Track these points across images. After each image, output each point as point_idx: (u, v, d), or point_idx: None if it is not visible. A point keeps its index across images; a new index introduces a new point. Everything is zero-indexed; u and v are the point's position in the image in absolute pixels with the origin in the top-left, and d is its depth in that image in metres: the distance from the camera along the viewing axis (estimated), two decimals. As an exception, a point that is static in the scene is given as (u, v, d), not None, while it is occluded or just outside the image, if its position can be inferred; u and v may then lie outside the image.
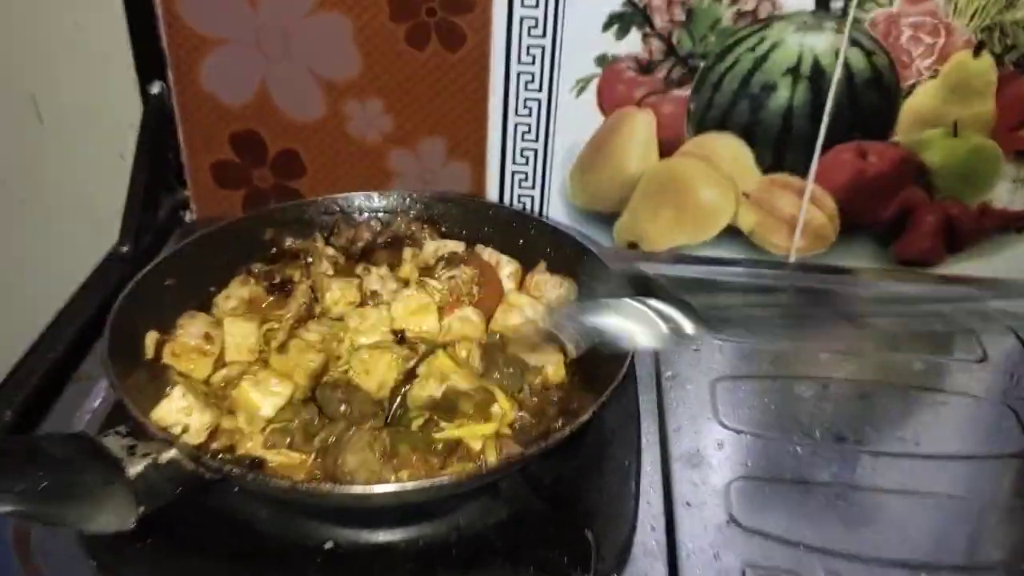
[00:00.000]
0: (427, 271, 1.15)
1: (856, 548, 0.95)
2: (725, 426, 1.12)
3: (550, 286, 1.14)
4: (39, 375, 1.16)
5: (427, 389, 0.98)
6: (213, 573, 0.90)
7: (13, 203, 1.67)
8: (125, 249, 1.44)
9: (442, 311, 1.08)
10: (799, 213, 1.46)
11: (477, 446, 0.96)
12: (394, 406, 0.99)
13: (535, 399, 1.02)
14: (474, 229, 1.29)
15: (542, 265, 1.19)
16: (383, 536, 0.95)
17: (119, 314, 1.00)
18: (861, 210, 1.46)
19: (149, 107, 1.47)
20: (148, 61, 1.45)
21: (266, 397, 0.97)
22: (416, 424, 0.96)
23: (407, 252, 1.21)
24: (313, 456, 0.95)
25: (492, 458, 0.92)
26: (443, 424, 0.96)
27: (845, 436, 1.10)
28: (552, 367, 1.05)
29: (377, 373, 1.00)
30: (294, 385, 0.99)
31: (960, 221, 1.47)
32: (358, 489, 0.85)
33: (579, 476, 1.00)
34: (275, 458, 0.94)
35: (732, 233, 1.50)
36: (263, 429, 0.95)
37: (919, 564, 0.94)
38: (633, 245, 1.53)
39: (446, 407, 0.97)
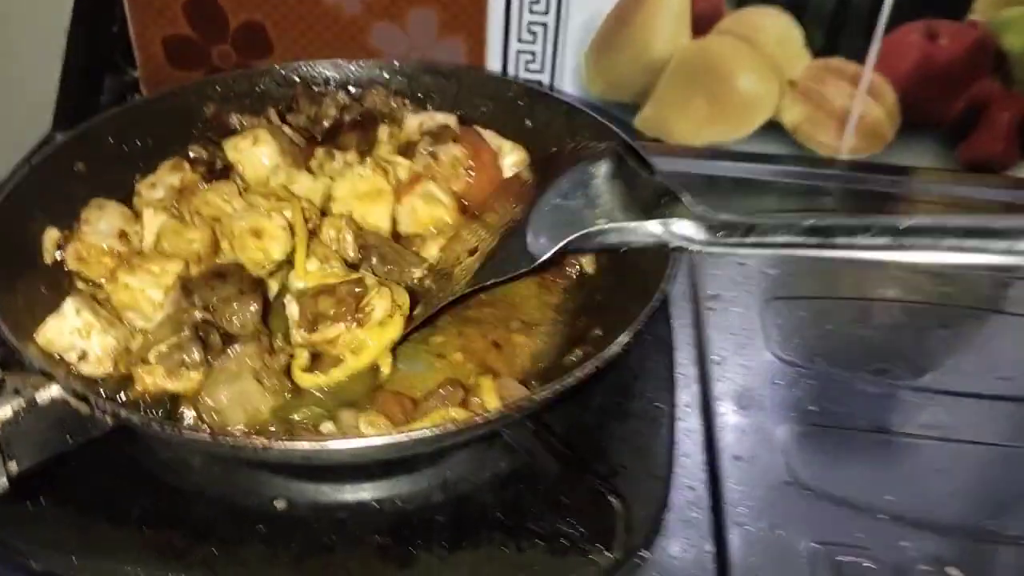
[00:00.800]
0: (408, 149, 0.92)
1: (952, 516, 0.75)
2: (780, 358, 0.91)
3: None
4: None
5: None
6: (119, 541, 0.70)
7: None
8: (60, 139, 1.24)
9: (399, 191, 0.86)
10: (853, 106, 1.28)
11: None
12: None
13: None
14: (469, 108, 1.06)
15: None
16: (349, 494, 0.75)
17: (5, 208, 0.78)
18: (926, 104, 1.28)
19: (87, -30, 1.27)
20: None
21: (147, 280, 0.76)
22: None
23: (383, 131, 0.99)
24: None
25: (492, 402, 0.71)
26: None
27: (925, 369, 0.90)
28: None
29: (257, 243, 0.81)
30: (181, 262, 0.79)
31: (1041, 118, 1.28)
32: (306, 445, 0.64)
33: (598, 422, 0.80)
34: (181, 385, 0.74)
35: (773, 129, 1.31)
36: (153, 354, 0.74)
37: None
38: (658, 141, 1.34)
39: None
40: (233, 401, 0.70)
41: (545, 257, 0.75)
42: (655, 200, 0.75)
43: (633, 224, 0.74)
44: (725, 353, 0.91)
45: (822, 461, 0.81)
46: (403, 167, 0.88)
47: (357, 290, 0.75)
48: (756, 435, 0.82)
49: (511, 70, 1.30)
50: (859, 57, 1.24)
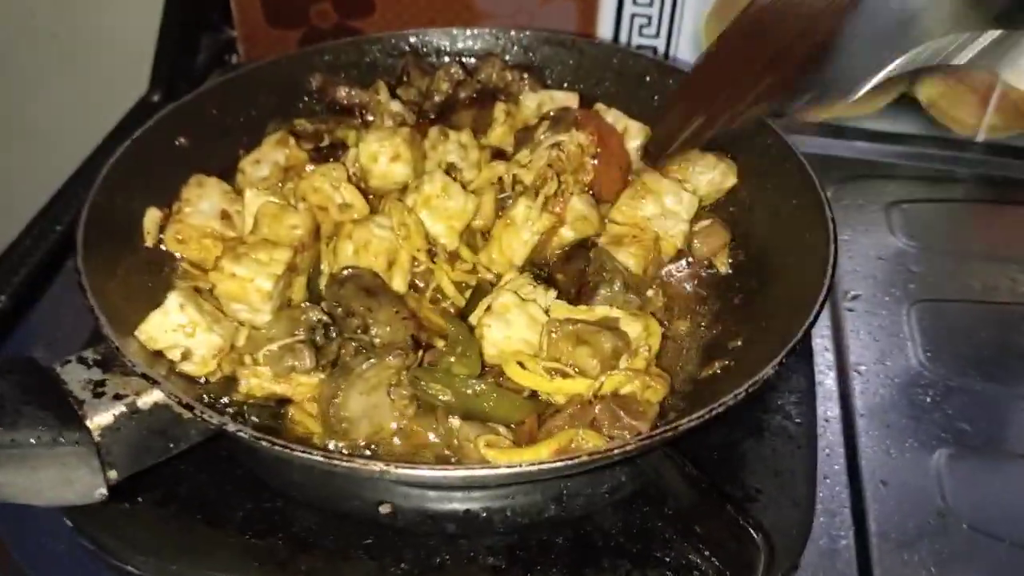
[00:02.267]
0: (526, 134, 0.84)
1: None
2: (929, 370, 0.82)
3: (700, 167, 0.84)
4: (41, 252, 0.95)
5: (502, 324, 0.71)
6: (219, 548, 0.66)
7: (42, 37, 1.45)
8: (156, 99, 1.22)
9: (545, 203, 0.79)
10: (996, 82, 1.16)
11: (561, 402, 0.70)
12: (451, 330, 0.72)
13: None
14: (592, 83, 0.98)
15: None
16: (458, 504, 0.69)
17: (106, 189, 0.74)
18: None
19: (187, -75, 1.22)
20: None
21: (255, 269, 0.70)
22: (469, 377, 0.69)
23: (499, 109, 0.91)
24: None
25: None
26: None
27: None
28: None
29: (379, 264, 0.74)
30: (289, 250, 0.73)
31: None
32: (422, 471, 0.58)
33: (732, 438, 0.73)
34: (290, 389, 0.69)
35: (906, 104, 1.21)
36: (262, 355, 0.69)
37: None
38: (778, 115, 1.24)
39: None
40: (364, 413, 0.66)
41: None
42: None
43: None
44: (868, 362, 0.82)
45: (978, 490, 0.73)
46: (529, 173, 0.81)
47: (620, 344, 0.69)
48: (904, 457, 0.74)
49: (624, 35, 1.22)
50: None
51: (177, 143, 0.84)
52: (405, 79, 0.97)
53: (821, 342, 0.84)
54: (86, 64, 1.47)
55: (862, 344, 0.84)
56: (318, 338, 0.69)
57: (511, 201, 0.80)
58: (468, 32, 1.03)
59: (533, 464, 0.58)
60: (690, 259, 0.81)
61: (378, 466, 0.56)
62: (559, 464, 0.57)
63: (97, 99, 1.40)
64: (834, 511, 0.70)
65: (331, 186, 0.78)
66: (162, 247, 0.79)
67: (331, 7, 1.26)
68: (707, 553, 0.63)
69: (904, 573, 0.66)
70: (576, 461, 0.57)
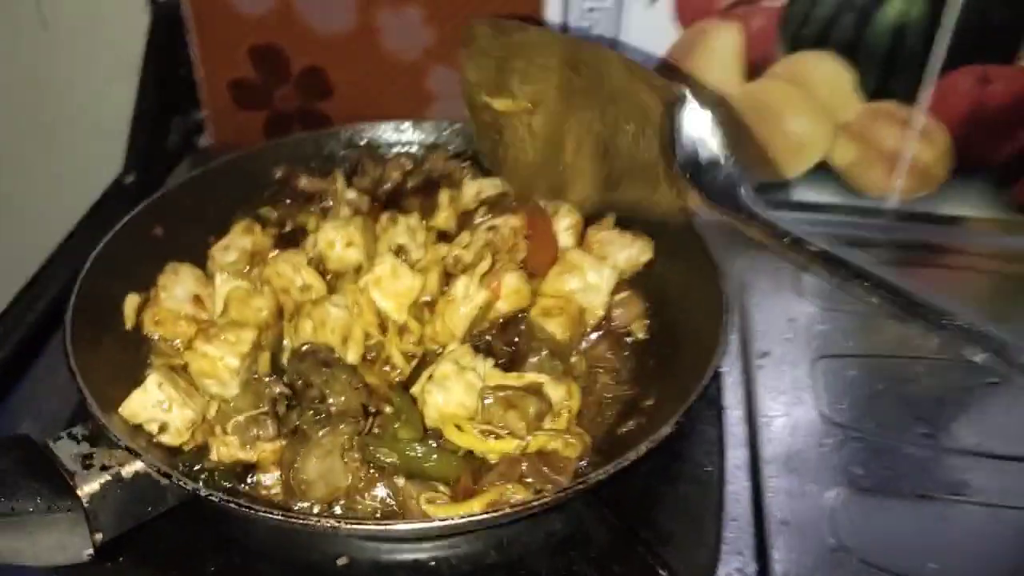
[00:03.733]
0: (466, 218, 0.95)
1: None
2: (829, 419, 0.92)
3: (618, 245, 0.94)
4: (23, 329, 1.02)
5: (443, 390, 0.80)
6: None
7: (16, 111, 1.53)
8: (131, 179, 1.30)
9: (481, 279, 0.88)
10: (904, 148, 1.27)
11: (493, 459, 0.79)
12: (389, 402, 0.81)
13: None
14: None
15: (609, 220, 0.98)
16: (408, 554, 0.78)
17: (90, 278, 0.83)
18: (978, 147, 1.27)
19: (157, 16, 1.32)
20: (156, -38, 1.27)
21: (224, 348, 0.79)
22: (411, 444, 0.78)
23: (443, 195, 1.01)
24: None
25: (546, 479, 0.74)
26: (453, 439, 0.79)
27: (971, 431, 0.91)
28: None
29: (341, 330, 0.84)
30: (255, 330, 0.82)
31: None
32: (372, 527, 0.68)
33: (647, 485, 0.82)
34: (255, 456, 0.78)
35: (824, 170, 1.31)
36: (230, 426, 0.78)
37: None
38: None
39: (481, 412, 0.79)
40: (320, 476, 0.74)
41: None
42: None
43: None
44: (775, 413, 0.92)
45: (869, 527, 0.81)
46: (469, 253, 0.91)
47: (543, 407, 0.78)
48: (804, 499, 0.83)
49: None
50: (911, 101, 1.23)
51: (153, 233, 0.93)
52: (360, 170, 1.07)
53: (734, 396, 0.93)
54: (61, 142, 1.53)
55: (771, 397, 0.93)
56: (280, 409, 0.77)
57: (450, 284, 0.89)
58: (415, 127, 1.14)
59: (464, 516, 0.66)
60: (612, 326, 0.90)
61: (329, 523, 0.65)
62: (486, 516, 0.66)
63: (72, 176, 1.48)
64: (740, 549, 0.78)
65: (292, 270, 0.87)
66: (140, 329, 0.87)
67: (293, 91, 1.35)
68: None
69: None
70: (501, 513, 0.66)
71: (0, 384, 0.95)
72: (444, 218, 0.98)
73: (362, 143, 1.11)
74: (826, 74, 1.24)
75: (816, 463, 0.87)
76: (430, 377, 0.81)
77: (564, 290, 0.89)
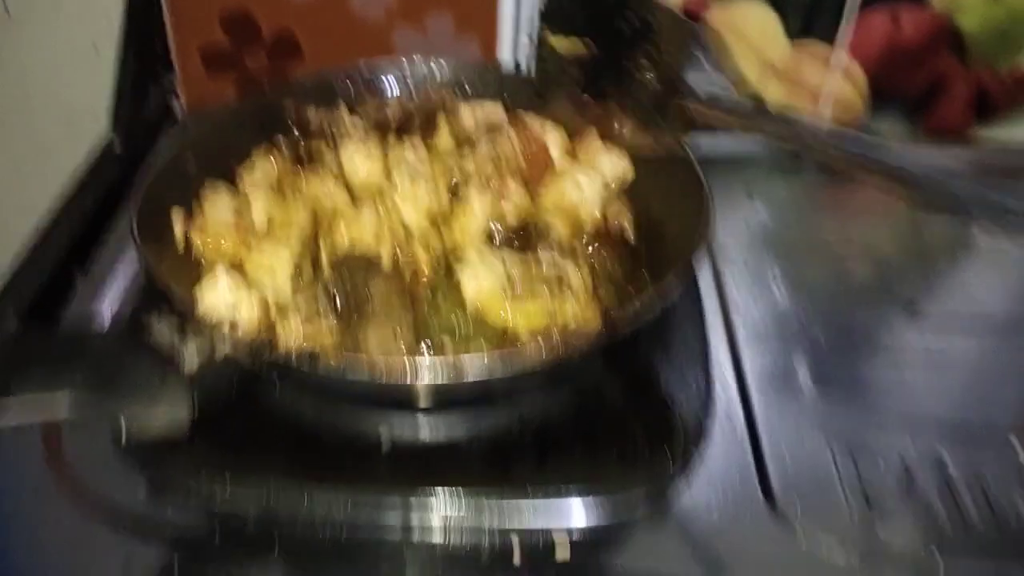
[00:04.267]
0: (465, 142, 1.05)
1: (949, 415, 0.91)
2: (789, 304, 1.06)
3: (604, 157, 1.05)
4: (43, 276, 1.08)
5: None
6: (266, 473, 0.83)
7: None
8: (117, 144, 1.35)
9: (489, 185, 0.99)
10: (827, 84, 1.39)
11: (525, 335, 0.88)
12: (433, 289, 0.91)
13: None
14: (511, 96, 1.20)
15: (594, 134, 1.09)
16: (442, 431, 0.88)
17: (145, 197, 0.91)
18: (892, 81, 1.41)
19: (130, -13, 1.36)
20: (129, -69, 1.33)
21: (276, 252, 0.89)
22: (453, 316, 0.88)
23: (441, 118, 1.11)
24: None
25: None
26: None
27: (913, 300, 1.06)
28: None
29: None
30: (299, 232, 0.92)
31: (993, 90, 1.42)
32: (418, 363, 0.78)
33: (648, 353, 0.95)
34: (318, 338, 0.86)
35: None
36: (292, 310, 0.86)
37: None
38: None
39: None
40: (376, 348, 0.83)
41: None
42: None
43: None
44: (743, 302, 1.05)
45: (832, 375, 0.95)
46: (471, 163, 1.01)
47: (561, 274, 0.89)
48: (774, 360, 0.97)
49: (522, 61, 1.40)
50: (830, 40, 1.36)
51: (188, 167, 1.02)
52: (360, 101, 1.17)
53: (707, 291, 1.06)
54: (33, 123, 1.57)
55: (737, 291, 1.06)
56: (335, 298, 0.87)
57: (460, 192, 0.99)
58: (407, 62, 1.24)
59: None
60: (608, 228, 1.01)
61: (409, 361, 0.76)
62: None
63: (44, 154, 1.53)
64: (727, 403, 0.91)
65: (321, 184, 0.97)
66: (190, 249, 0.96)
67: (263, 54, 1.41)
68: (639, 435, 0.85)
69: (780, 434, 0.88)
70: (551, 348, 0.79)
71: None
72: (444, 138, 1.08)
73: (362, 80, 1.20)
74: (756, 19, 1.38)
75: (782, 335, 1.01)
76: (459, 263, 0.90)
77: (562, 195, 1.00)
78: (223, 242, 0.94)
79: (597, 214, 1.00)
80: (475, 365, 0.78)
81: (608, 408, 0.88)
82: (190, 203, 0.99)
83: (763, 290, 1.07)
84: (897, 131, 1.43)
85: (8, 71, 1.53)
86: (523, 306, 0.87)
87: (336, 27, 1.39)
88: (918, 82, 1.41)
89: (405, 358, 0.79)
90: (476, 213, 0.95)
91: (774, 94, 1.42)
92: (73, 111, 1.48)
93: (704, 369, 0.93)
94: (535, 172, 1.02)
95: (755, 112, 0.91)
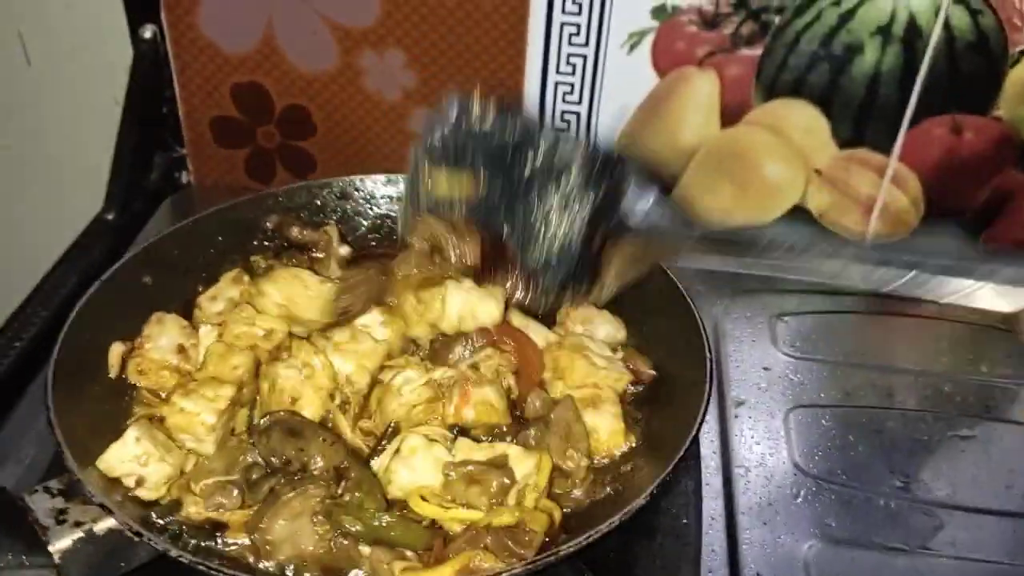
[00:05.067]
0: (445, 344, 0.93)
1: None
2: (803, 471, 0.94)
3: (597, 322, 0.96)
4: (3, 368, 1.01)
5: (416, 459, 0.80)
6: None
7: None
8: (111, 216, 1.30)
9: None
10: (878, 194, 1.30)
11: (456, 528, 0.78)
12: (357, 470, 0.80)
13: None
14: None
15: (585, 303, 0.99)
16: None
17: (76, 326, 0.83)
18: (950, 193, 1.30)
19: (140, 54, 1.32)
20: (138, 1, 1.28)
21: (201, 404, 0.80)
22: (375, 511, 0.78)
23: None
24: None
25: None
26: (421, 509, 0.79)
27: (942, 483, 0.93)
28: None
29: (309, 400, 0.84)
30: (233, 387, 0.83)
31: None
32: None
33: (626, 539, 0.83)
34: (224, 517, 0.78)
35: (799, 214, 1.34)
36: (198, 488, 0.78)
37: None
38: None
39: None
40: (287, 537, 0.73)
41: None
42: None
43: None
44: (750, 464, 0.93)
45: (840, 579, 0.83)
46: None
47: (505, 482, 0.78)
48: (779, 552, 0.85)
49: (548, 101, 1.31)
50: (885, 148, 1.26)
51: (142, 281, 0.93)
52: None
53: (710, 444, 0.94)
54: (49, 175, 1.54)
55: (746, 447, 0.95)
56: (252, 475, 0.78)
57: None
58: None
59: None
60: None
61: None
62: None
63: (47, 216, 1.49)
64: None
65: (247, 325, 0.88)
66: (124, 377, 0.88)
67: (275, 130, 1.36)
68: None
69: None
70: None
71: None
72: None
73: (356, 193, 1.11)
74: (802, 122, 1.27)
75: (790, 514, 0.88)
76: (397, 451, 0.81)
77: (585, 375, 0.90)
78: (163, 382, 0.86)
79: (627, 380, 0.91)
80: None
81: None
82: (136, 329, 0.90)
83: (775, 448, 0.96)
84: (952, 246, 1.32)
85: (25, 121, 1.51)
86: (452, 513, 0.78)
87: (351, 106, 1.33)
88: (979, 195, 1.30)
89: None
90: (400, 401, 0.85)
91: (818, 202, 1.32)
92: (89, 166, 1.44)
93: (692, 558, 0.81)
94: (525, 384, 0.91)
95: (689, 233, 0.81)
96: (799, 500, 0.90)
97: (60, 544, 0.66)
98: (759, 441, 0.96)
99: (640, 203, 0.93)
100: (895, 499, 0.91)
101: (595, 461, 0.85)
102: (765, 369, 1.05)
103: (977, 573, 0.85)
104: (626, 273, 0.93)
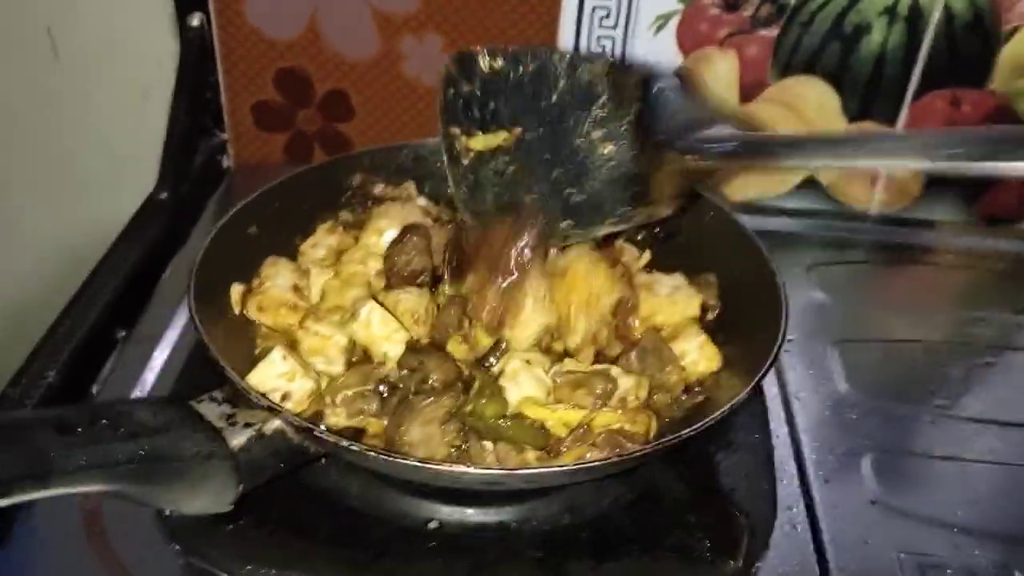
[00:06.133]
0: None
1: (1013, 529, 0.88)
2: (852, 393, 1.03)
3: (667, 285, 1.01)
4: (83, 333, 1.06)
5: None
6: (311, 557, 0.80)
7: (28, 142, 1.55)
8: (164, 196, 1.36)
9: None
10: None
11: (562, 432, 0.85)
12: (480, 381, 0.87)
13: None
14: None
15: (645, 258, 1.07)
16: (491, 517, 0.85)
17: (202, 266, 0.89)
18: None
19: (188, 41, 1.38)
20: (188, -9, 1.33)
21: (333, 328, 0.88)
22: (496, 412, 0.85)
23: None
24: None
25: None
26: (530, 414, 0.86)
27: (976, 402, 1.03)
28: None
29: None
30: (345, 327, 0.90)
31: (1051, 178, 1.39)
32: (491, 471, 0.75)
33: (710, 452, 0.91)
34: (363, 424, 0.85)
35: (811, 185, 1.42)
36: (338, 398, 0.84)
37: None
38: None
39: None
40: (421, 441, 0.80)
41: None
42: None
43: None
44: (804, 390, 1.02)
45: (899, 483, 0.92)
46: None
47: (609, 386, 0.85)
48: (839, 461, 0.93)
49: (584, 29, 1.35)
50: (890, 121, 1.34)
51: (249, 232, 1.00)
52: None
53: (769, 376, 1.02)
54: (76, 169, 1.56)
55: (799, 377, 1.03)
56: (383, 388, 0.85)
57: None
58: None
59: (559, 467, 0.76)
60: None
61: (456, 468, 0.73)
62: (596, 464, 0.74)
63: (87, 200, 1.52)
64: (790, 504, 0.88)
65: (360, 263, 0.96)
66: (245, 316, 0.94)
67: (316, 113, 1.42)
68: (700, 536, 0.81)
69: (847, 547, 0.84)
70: (605, 462, 0.75)
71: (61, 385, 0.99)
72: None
73: (429, 156, 1.17)
74: (814, 97, 1.34)
75: (846, 431, 0.97)
76: (501, 373, 0.88)
77: (659, 307, 0.97)
78: (281, 319, 0.92)
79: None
80: (528, 476, 0.77)
81: (667, 506, 0.85)
82: (247, 273, 0.97)
83: (824, 377, 1.05)
84: (952, 217, 1.42)
85: (54, 113, 1.53)
86: (560, 413, 0.85)
87: (390, 89, 1.39)
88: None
89: (454, 466, 0.76)
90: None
91: (828, 174, 1.40)
92: (118, 157, 1.49)
93: (766, 465, 0.90)
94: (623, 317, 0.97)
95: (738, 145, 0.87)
96: (853, 419, 0.99)
97: (235, 441, 0.72)
98: (811, 371, 1.05)
99: (676, 113, 0.95)
100: (937, 417, 1.00)
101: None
102: (806, 311, 1.14)
103: (1014, 474, 0.94)
104: (675, 190, 0.94)
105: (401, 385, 0.84)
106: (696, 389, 0.92)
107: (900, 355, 1.10)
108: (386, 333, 0.89)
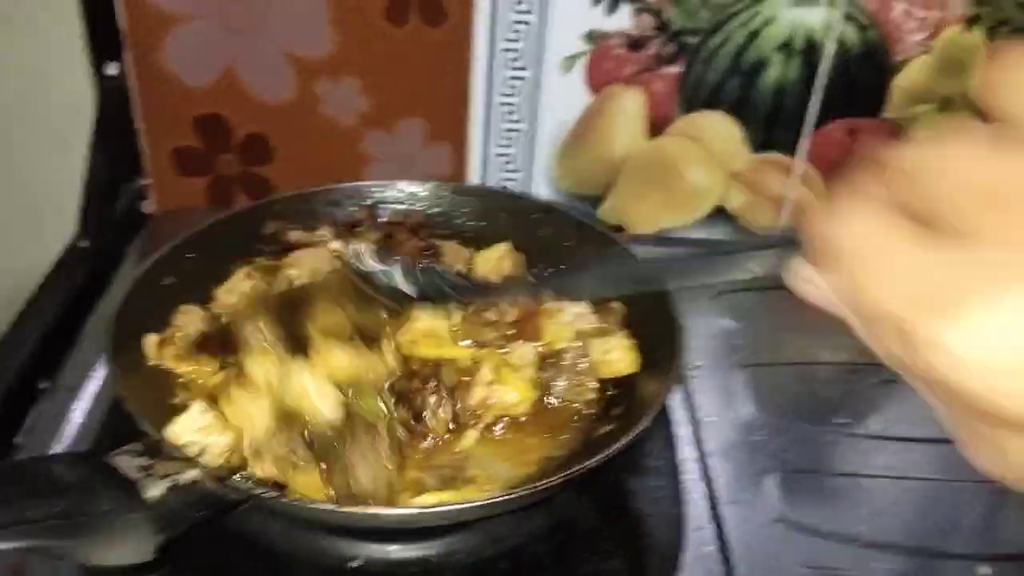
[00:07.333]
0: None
1: (909, 540, 0.93)
2: (758, 417, 1.07)
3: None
4: (4, 385, 1.06)
5: None
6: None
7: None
8: (85, 244, 1.35)
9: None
10: (787, 192, 1.45)
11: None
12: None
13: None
14: (493, 220, 1.22)
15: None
16: (413, 552, 0.87)
17: (119, 319, 0.90)
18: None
19: (105, 90, 1.38)
20: (104, 40, 1.34)
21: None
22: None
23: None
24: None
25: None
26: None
27: (876, 420, 1.08)
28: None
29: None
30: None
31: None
32: (404, 511, 0.78)
33: (616, 480, 0.95)
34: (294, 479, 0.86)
35: (721, 214, 1.48)
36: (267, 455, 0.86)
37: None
38: (619, 228, 1.49)
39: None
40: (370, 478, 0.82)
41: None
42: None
43: None
44: (712, 414, 1.06)
45: (803, 501, 0.96)
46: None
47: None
48: (746, 482, 0.97)
49: (490, 171, 1.43)
50: (791, 151, 1.40)
51: (164, 282, 1.01)
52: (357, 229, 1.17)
53: (677, 401, 1.07)
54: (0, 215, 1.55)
55: (707, 401, 1.08)
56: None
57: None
58: (387, 184, 1.25)
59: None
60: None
61: (375, 511, 0.76)
62: (510, 497, 0.78)
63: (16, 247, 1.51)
64: (700, 525, 0.92)
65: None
66: (161, 365, 0.95)
67: (235, 158, 1.43)
68: (614, 562, 0.84)
69: (756, 564, 0.88)
70: (518, 495, 0.78)
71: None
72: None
73: (343, 201, 1.21)
74: (719, 130, 1.40)
75: (753, 452, 1.01)
76: None
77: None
78: (196, 368, 0.94)
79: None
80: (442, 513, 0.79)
81: (582, 532, 0.88)
82: (164, 323, 0.98)
83: (731, 401, 1.09)
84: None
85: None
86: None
87: (308, 132, 1.41)
88: (874, 190, 1.45)
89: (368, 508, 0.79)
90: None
91: (736, 203, 1.46)
92: (38, 206, 1.49)
93: (676, 489, 0.94)
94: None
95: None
96: (759, 440, 1.03)
97: (151, 492, 0.73)
98: (718, 396, 1.09)
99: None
100: (839, 436, 1.05)
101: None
102: (712, 337, 1.19)
103: (914, 488, 0.99)
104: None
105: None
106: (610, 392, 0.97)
107: (805, 377, 1.15)
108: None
